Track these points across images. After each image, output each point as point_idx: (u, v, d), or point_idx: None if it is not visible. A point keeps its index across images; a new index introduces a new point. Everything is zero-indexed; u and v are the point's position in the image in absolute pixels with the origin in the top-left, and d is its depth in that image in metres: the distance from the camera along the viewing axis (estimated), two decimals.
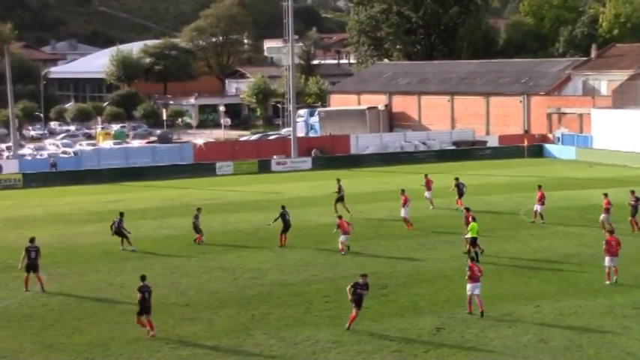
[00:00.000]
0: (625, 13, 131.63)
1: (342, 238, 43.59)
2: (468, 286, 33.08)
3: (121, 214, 46.71)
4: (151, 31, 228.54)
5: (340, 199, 54.78)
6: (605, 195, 48.65)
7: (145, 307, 30.92)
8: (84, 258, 44.05)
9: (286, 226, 45.82)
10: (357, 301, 31.00)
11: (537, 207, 50.94)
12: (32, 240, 38.10)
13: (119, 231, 45.82)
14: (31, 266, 37.39)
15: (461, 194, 55.72)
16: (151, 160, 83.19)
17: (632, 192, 48.29)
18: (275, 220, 46.38)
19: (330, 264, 41.47)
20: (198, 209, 48.71)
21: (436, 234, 47.77)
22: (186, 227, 51.85)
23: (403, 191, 50.54)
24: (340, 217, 44.85)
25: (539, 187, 51.93)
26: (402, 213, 49.65)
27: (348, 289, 31.24)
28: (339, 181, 55.99)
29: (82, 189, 71.99)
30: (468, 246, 41.60)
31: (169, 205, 61.64)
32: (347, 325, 31.20)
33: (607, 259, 36.87)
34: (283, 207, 47.19)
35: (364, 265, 40.81)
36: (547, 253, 42.93)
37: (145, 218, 55.90)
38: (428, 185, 56.85)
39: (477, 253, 39.90)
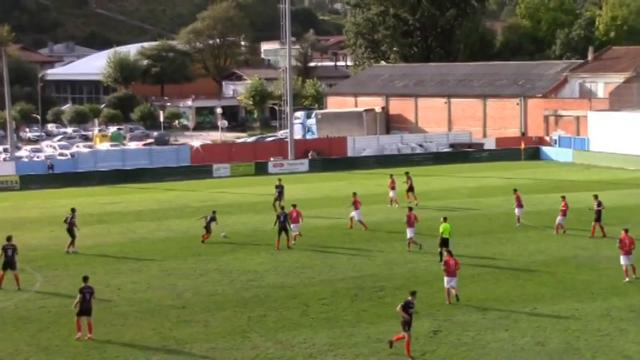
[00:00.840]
0: (621, 16, 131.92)
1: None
2: (445, 279, 34.79)
3: (73, 210, 46.60)
4: (148, 33, 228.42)
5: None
6: (563, 197, 49.02)
7: (84, 309, 31.07)
8: (80, 260, 43.97)
9: (280, 228, 45.75)
10: (410, 322, 28.80)
11: (517, 210, 51.14)
12: (9, 238, 38.77)
13: (70, 228, 45.58)
14: (8, 264, 38.02)
15: (410, 188, 58.56)
16: (148, 162, 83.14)
17: (596, 196, 47.71)
18: (275, 222, 46.32)
19: (326, 266, 41.45)
20: (214, 212, 49.14)
21: (432, 237, 47.60)
22: (182, 229, 51.94)
23: (355, 194, 51.58)
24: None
25: (515, 190, 52.14)
26: (356, 216, 50.72)
27: (399, 309, 29.15)
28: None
29: (79, 191, 71.97)
30: (408, 244, 44.57)
31: (166, 207, 61.61)
32: (391, 342, 29.27)
33: (622, 257, 37.62)
34: (282, 207, 47.40)
35: (361, 268, 40.84)
36: (544, 255, 42.94)
37: (142, 220, 55.90)
38: (392, 185, 58.56)
39: (441, 254, 40.14)
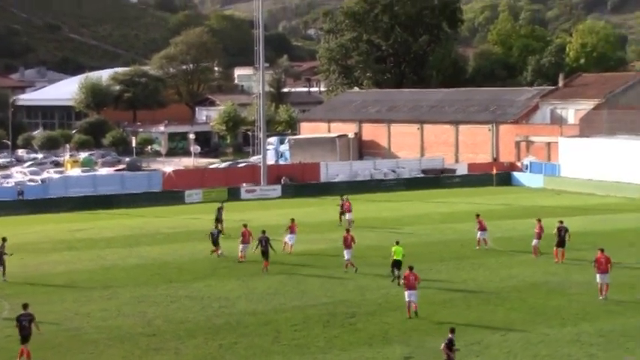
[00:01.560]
0: (591, 43, 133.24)
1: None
2: (405, 293, 36.45)
3: (4, 239, 46.15)
4: (121, 58, 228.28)
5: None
6: (539, 220, 49.58)
7: (23, 336, 31.12)
8: (49, 287, 43.62)
9: (262, 252, 46.24)
10: None
11: (479, 234, 51.95)
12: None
13: (0, 257, 45.26)
14: None
15: (345, 212, 61.34)
16: (120, 188, 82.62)
17: (561, 222, 48.09)
18: (256, 246, 46.75)
19: (298, 292, 41.34)
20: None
21: (404, 262, 47.67)
22: (153, 256, 51.70)
23: (293, 220, 52.88)
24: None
25: (478, 215, 52.93)
26: (289, 241, 51.54)
27: (443, 348, 28.58)
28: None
29: (50, 217, 71.40)
30: (345, 265, 45.89)
31: (137, 234, 61.26)
32: None
33: (598, 276, 38.92)
34: (263, 232, 47.81)
35: (333, 294, 40.77)
36: (515, 281, 43.05)
37: (113, 247, 55.56)
38: (348, 208, 60.91)
39: (393, 274, 42.31)
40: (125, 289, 42.91)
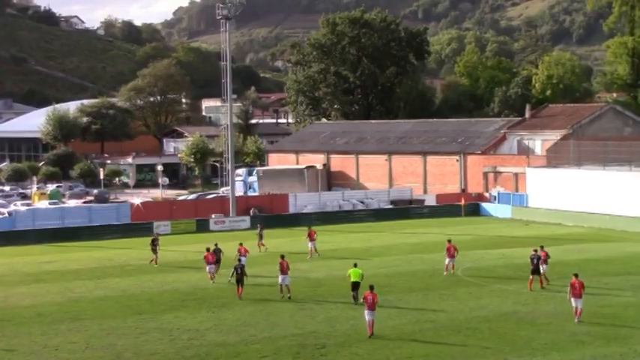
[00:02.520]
0: (557, 75, 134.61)
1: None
2: (365, 312, 38.15)
3: None
4: (89, 90, 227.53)
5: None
6: (542, 247, 50.14)
7: None
8: (16, 320, 43.18)
9: (237, 279, 47.16)
10: None
11: (447, 260, 53.22)
12: None
13: None
14: None
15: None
16: (88, 220, 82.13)
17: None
18: (232, 274, 47.73)
19: (268, 324, 41.20)
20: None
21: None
22: (122, 288, 51.38)
23: (241, 244, 55.95)
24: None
25: (449, 241, 54.13)
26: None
27: None
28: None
29: (17, 250, 70.77)
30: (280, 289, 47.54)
31: (106, 266, 60.89)
32: None
33: (572, 300, 40.27)
34: (239, 260, 49.83)
35: (303, 325, 40.65)
36: (485, 311, 43.14)
37: (81, 279, 55.16)
38: (311, 236, 62.61)
39: (353, 297, 44.34)
40: (93, 321, 42.56)
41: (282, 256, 48.51)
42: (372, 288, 38.68)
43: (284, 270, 47.25)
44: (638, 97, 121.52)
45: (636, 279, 51.09)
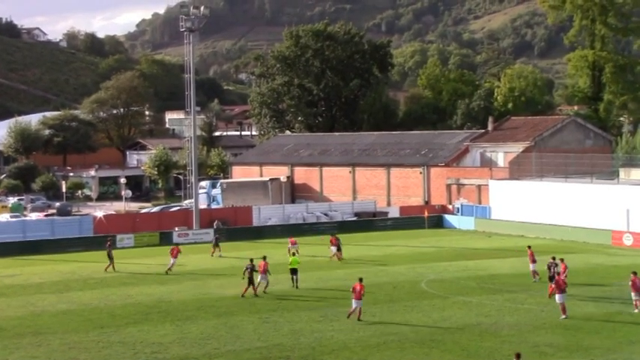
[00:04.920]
0: (519, 87, 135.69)
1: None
2: (353, 301, 43.50)
3: None
4: (51, 102, 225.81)
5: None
6: (562, 260, 51.36)
7: None
8: None
9: (248, 279, 50.90)
10: None
11: (531, 265, 55.21)
12: None
13: None
14: None
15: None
16: (50, 234, 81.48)
17: (553, 258, 51.07)
18: (244, 273, 51.51)
19: (232, 336, 41.07)
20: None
21: (338, 305, 47.76)
22: (85, 301, 51.01)
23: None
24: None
25: (529, 247, 57.17)
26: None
27: None
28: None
29: None
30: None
31: (68, 279, 60.41)
32: None
33: (557, 296, 43.74)
34: (251, 260, 52.11)
35: (267, 338, 40.58)
36: (448, 322, 43.29)
37: (43, 293, 54.68)
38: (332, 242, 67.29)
39: (292, 279, 53.31)
40: (55, 335, 42.18)
41: (264, 257, 52.53)
42: (361, 280, 44.03)
43: (263, 270, 51.23)
44: (598, 109, 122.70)
45: (598, 290, 51.53)
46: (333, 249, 66.73)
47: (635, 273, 44.55)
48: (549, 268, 50.15)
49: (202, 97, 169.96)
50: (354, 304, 43.46)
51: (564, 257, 52.76)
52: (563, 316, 43.09)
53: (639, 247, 70.90)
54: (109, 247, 65.01)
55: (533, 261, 54.84)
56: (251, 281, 51.02)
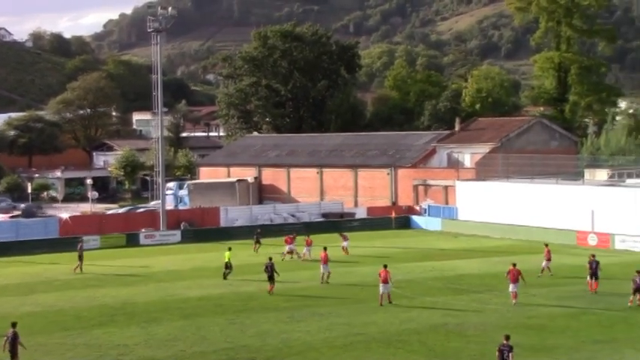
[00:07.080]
0: (486, 88, 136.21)
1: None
2: (380, 285, 47.63)
3: None
4: (17, 103, 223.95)
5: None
6: (593, 255, 52.34)
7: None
8: None
9: (268, 277, 51.60)
10: None
11: (544, 263, 57.68)
12: None
13: None
14: None
15: None
16: (15, 235, 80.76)
17: (593, 255, 52.02)
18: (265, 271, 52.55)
19: (198, 338, 40.96)
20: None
21: (305, 306, 47.79)
22: (49, 303, 50.68)
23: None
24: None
25: (546, 245, 59.44)
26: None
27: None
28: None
29: None
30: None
31: (34, 281, 59.95)
32: None
33: (511, 285, 47.19)
34: (270, 258, 52.99)
35: (233, 339, 40.50)
36: (414, 323, 43.42)
37: (6, 295, 54.26)
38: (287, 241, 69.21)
39: (227, 269, 56.64)
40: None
41: (325, 248, 57.30)
42: (385, 266, 48.45)
43: (324, 261, 56.01)
44: (564, 110, 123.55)
45: (562, 290, 51.92)
46: (306, 249, 68.32)
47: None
48: (591, 264, 50.92)
49: (170, 98, 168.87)
50: (381, 288, 47.53)
51: (529, 257, 53.31)
52: (514, 301, 46.92)
53: (604, 247, 71.44)
54: (80, 248, 65.00)
55: (549, 259, 57.26)
56: (271, 278, 51.59)
